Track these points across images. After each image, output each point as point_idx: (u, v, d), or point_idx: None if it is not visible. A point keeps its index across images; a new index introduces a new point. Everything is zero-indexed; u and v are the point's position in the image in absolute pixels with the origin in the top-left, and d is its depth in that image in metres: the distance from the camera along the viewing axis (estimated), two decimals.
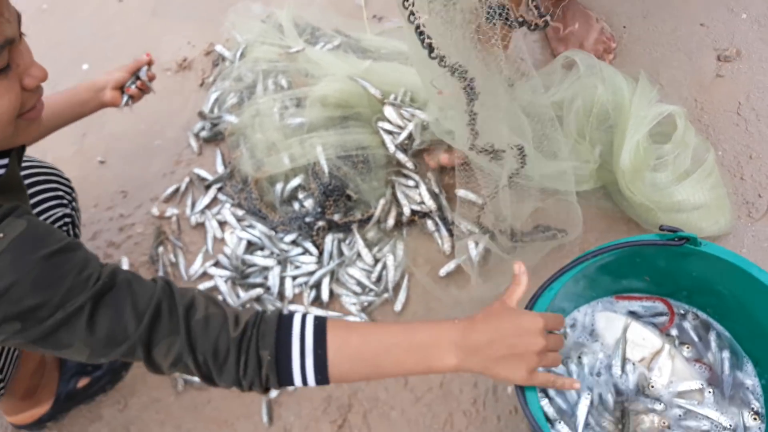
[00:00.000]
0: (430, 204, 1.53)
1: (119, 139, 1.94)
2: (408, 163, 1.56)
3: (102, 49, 2.22)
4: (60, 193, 1.25)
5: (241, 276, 1.56)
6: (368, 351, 0.86)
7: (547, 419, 1.15)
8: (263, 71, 1.85)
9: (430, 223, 1.55)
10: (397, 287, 1.51)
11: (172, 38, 2.17)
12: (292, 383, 0.84)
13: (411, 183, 1.58)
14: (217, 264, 1.60)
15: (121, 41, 2.24)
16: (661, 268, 1.22)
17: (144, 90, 1.50)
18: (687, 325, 1.26)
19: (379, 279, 1.51)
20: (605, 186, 1.56)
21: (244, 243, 1.60)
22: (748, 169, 1.57)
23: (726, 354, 1.21)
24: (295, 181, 1.61)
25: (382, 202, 1.56)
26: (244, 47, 1.95)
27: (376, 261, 1.52)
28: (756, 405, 1.16)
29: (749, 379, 1.19)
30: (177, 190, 1.77)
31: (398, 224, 1.56)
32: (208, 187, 1.74)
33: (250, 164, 1.65)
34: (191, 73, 2.05)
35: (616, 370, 1.20)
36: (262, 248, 1.60)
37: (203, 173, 1.77)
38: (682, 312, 1.28)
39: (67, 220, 1.24)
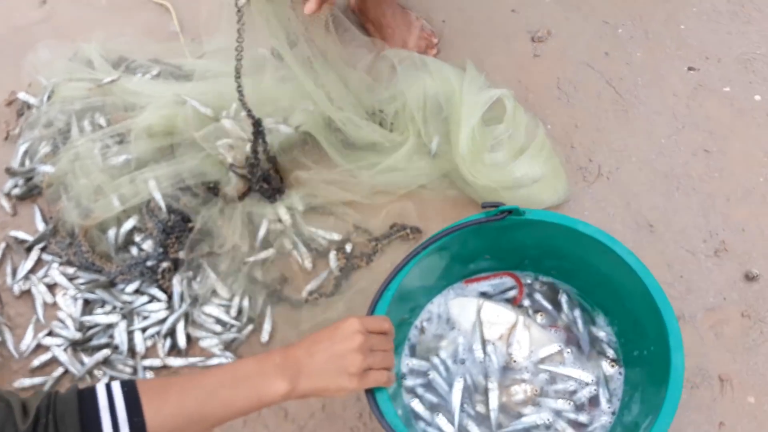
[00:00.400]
0: (286, 219, 1.45)
1: None
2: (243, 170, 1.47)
3: None
4: None
5: (82, 340, 1.38)
6: (191, 402, 0.79)
7: (420, 418, 1.16)
8: (76, 112, 1.67)
9: (286, 241, 1.47)
10: (261, 316, 1.41)
11: None
12: None
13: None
14: (51, 333, 1.41)
15: None
16: (500, 244, 1.25)
17: None
18: (536, 292, 1.31)
19: (240, 312, 1.41)
20: (448, 175, 1.58)
21: (80, 303, 1.42)
22: (576, 138, 1.67)
23: (577, 312, 1.26)
24: (129, 224, 1.46)
25: (232, 228, 1.45)
26: (51, 90, 1.76)
27: (233, 293, 1.42)
28: (611, 353, 1.22)
29: (602, 330, 1.25)
30: None
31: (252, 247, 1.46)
32: (29, 249, 1.53)
33: (75, 214, 1.47)
34: None
35: (479, 353, 1.22)
36: (102, 305, 1.43)
37: (21, 235, 1.56)
38: (528, 281, 1.32)
39: None
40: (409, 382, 1.23)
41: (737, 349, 1.34)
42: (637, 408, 1.11)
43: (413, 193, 1.56)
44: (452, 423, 1.16)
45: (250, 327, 1.39)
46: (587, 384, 1.19)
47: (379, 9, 1.75)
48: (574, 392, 1.19)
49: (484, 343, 1.22)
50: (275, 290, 1.42)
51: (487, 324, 1.24)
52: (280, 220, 1.47)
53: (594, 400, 1.18)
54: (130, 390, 0.76)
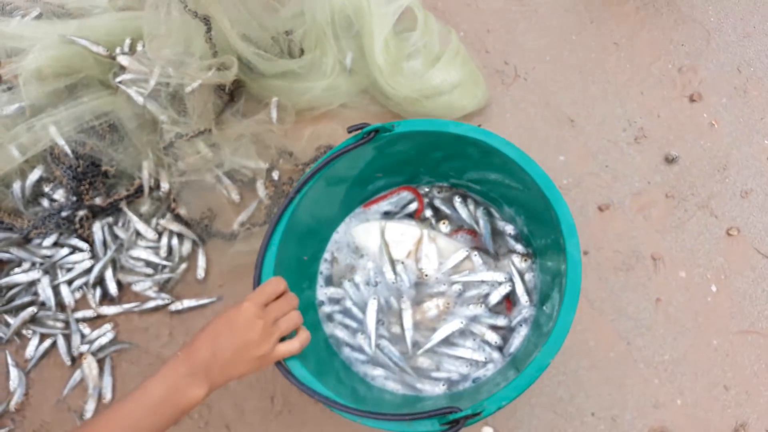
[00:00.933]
0: (206, 153, 1.39)
1: None
2: (163, 115, 1.39)
3: None
4: None
5: (3, 302, 1.30)
6: None
7: (344, 343, 1.17)
8: None
9: (209, 175, 1.42)
10: (192, 253, 1.37)
11: None
12: None
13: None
14: None
15: None
16: (387, 161, 1.21)
17: None
18: (436, 201, 1.29)
19: (170, 252, 1.36)
20: (367, 91, 1.55)
21: None
22: (489, 42, 1.67)
23: (480, 212, 1.26)
24: (35, 174, 1.36)
25: (145, 166, 1.38)
26: None
27: (160, 234, 1.36)
28: (520, 248, 1.22)
29: (509, 225, 1.25)
30: None
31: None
32: None
33: None
34: None
35: (389, 275, 1.20)
36: (19, 263, 1.34)
37: None
38: (426, 191, 1.31)
39: None
40: (327, 308, 1.21)
41: (665, 228, 1.42)
42: (557, 296, 1.07)
43: (334, 112, 1.53)
44: (370, 346, 1.15)
45: (183, 266, 1.35)
46: (501, 283, 1.18)
47: None
48: (488, 295, 1.18)
49: (393, 263, 1.20)
50: (205, 226, 1.37)
51: (393, 244, 1.22)
52: (199, 152, 1.41)
53: (512, 298, 1.18)
54: None
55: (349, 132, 1.07)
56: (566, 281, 0.96)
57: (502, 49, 1.66)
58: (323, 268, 1.24)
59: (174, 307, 1.30)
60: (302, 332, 0.94)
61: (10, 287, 1.32)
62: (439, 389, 1.11)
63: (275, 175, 1.44)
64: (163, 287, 1.33)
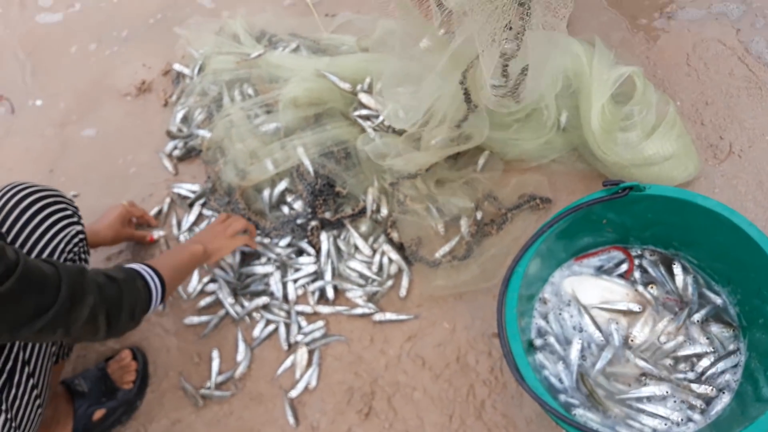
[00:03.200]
0: (422, 187, 1.57)
1: (90, 171, 1.90)
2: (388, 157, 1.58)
3: (53, 84, 2.17)
4: (69, 212, 1.26)
5: (242, 287, 1.57)
6: (170, 264, 1.29)
7: (545, 367, 1.25)
8: (226, 82, 1.85)
9: (420, 207, 1.59)
10: (398, 274, 1.54)
11: (125, 63, 2.13)
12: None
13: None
14: (213, 279, 1.60)
15: (70, 73, 2.18)
16: (611, 219, 1.30)
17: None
18: (646, 263, 1.35)
19: (380, 269, 1.54)
20: (577, 149, 1.63)
21: (238, 255, 1.60)
22: (706, 115, 1.67)
23: (690, 280, 1.30)
24: (282, 185, 1.62)
25: (370, 192, 1.59)
26: (201, 61, 1.94)
27: (374, 251, 1.55)
28: (729, 320, 1.26)
29: (720, 297, 1.28)
30: (160, 212, 1.75)
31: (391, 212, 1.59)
32: (191, 205, 1.73)
33: (233, 175, 1.65)
34: (152, 95, 2.02)
35: (593, 329, 1.28)
36: (258, 257, 1.60)
37: (183, 191, 1.76)
38: (638, 253, 1.37)
39: (81, 236, 1.27)
40: (538, 341, 1.31)
41: None
42: (763, 377, 1.12)
43: (541, 164, 1.62)
44: (571, 375, 1.24)
45: (389, 282, 1.52)
46: (705, 353, 1.22)
47: None
48: (693, 362, 1.23)
49: (596, 324, 1.28)
50: (412, 251, 1.54)
51: (601, 300, 1.29)
52: (416, 187, 1.58)
53: (714, 367, 1.21)
54: (148, 265, 1.22)
55: (605, 185, 1.18)
56: None
57: (719, 123, 1.66)
58: (538, 305, 1.35)
59: (377, 317, 1.48)
60: (246, 236, 1.56)
61: (248, 275, 1.58)
62: None
63: (479, 215, 1.57)
64: (370, 298, 1.51)
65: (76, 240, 1.25)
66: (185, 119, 1.87)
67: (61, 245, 1.21)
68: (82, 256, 1.28)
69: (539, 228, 1.17)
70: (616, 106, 1.59)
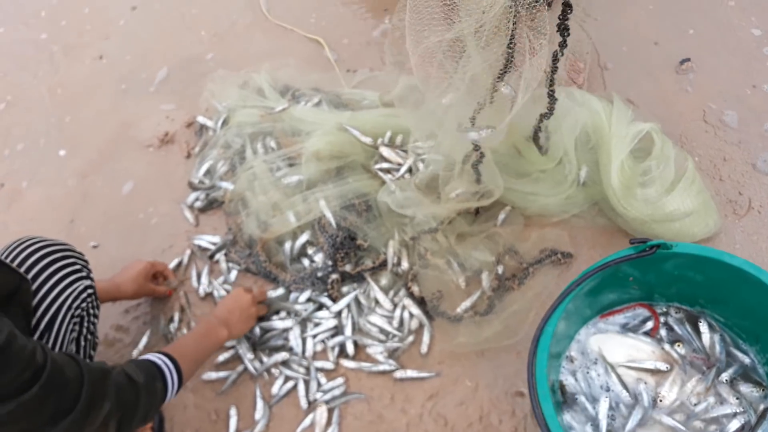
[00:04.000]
0: (443, 240, 1.57)
1: (110, 221, 1.92)
2: (409, 210, 1.59)
3: (77, 134, 2.21)
4: (78, 266, 1.26)
5: (261, 342, 1.56)
6: (191, 353, 1.28)
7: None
8: (249, 135, 1.88)
9: (441, 261, 1.59)
10: (419, 329, 1.53)
11: (148, 114, 2.18)
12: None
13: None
14: None
15: (95, 123, 2.23)
16: (636, 276, 1.29)
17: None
18: (671, 320, 1.34)
19: (401, 324, 1.53)
20: (598, 204, 1.63)
21: None
22: (725, 171, 1.68)
23: (717, 338, 1.28)
24: (303, 237, 1.63)
25: (391, 245, 1.59)
26: (226, 114, 1.98)
27: (395, 305, 1.54)
28: (758, 379, 1.24)
29: (748, 357, 1.27)
30: (179, 263, 1.76)
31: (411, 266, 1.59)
32: (211, 257, 1.73)
33: (255, 227, 1.67)
34: (174, 146, 2.06)
35: (619, 389, 1.26)
36: (277, 311, 1.60)
37: (204, 243, 1.77)
38: (664, 310, 1.36)
39: (90, 291, 1.27)
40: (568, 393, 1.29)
41: None
42: None
43: (562, 219, 1.63)
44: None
45: (410, 338, 1.50)
46: (735, 414, 1.20)
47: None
48: (722, 424, 1.20)
49: (623, 383, 1.26)
50: (433, 305, 1.53)
51: (627, 358, 1.28)
52: (437, 240, 1.59)
53: (746, 428, 1.19)
54: (171, 358, 1.20)
55: (632, 243, 1.18)
56: None
57: (738, 178, 1.67)
58: (565, 363, 1.33)
59: (399, 374, 1.46)
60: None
61: (267, 330, 1.57)
62: None
63: (500, 269, 1.57)
64: (391, 354, 1.49)
65: (84, 295, 1.25)
66: (208, 172, 1.89)
67: (69, 300, 1.20)
68: (91, 311, 1.28)
69: (567, 286, 1.16)
70: (636, 162, 1.60)
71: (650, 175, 1.56)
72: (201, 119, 2.04)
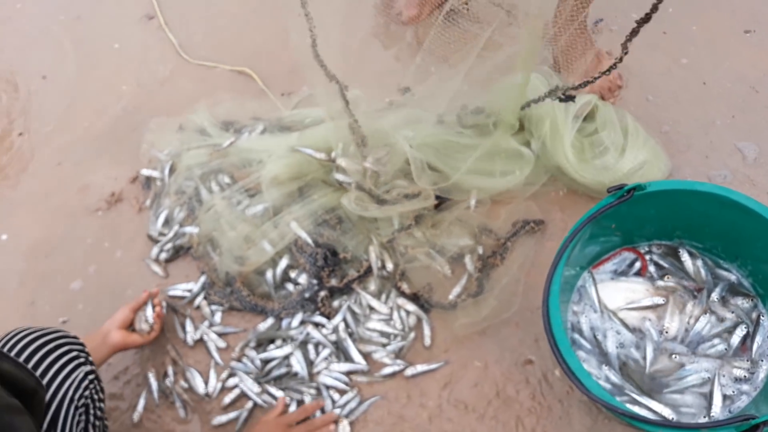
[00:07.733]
0: (419, 235, 1.60)
1: (74, 295, 1.83)
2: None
3: (19, 215, 2.10)
4: (74, 353, 1.19)
5: (263, 374, 1.53)
6: None
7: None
8: (199, 177, 1.85)
9: (422, 255, 1.61)
10: (418, 323, 1.54)
11: (89, 180, 2.10)
12: None
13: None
14: (232, 374, 1.55)
15: (35, 202, 2.13)
16: (617, 224, 1.37)
17: (161, 317, 1.59)
18: (656, 257, 1.42)
19: (402, 323, 1.54)
20: (554, 174, 1.70)
21: (252, 343, 1.57)
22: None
23: (699, 263, 1.37)
24: (284, 263, 1.62)
25: (372, 250, 1.60)
26: (170, 161, 1.94)
27: (391, 309, 1.55)
28: (746, 291, 1.33)
29: (732, 274, 1.36)
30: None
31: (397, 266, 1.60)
32: (191, 302, 1.69)
33: (231, 262, 1.64)
34: (124, 204, 1.99)
35: (624, 331, 1.33)
36: (272, 340, 1.57)
37: (179, 292, 1.72)
38: (647, 249, 1.44)
39: (91, 377, 1.19)
40: (572, 334, 1.36)
41: None
42: None
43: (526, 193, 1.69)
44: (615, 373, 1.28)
45: (412, 335, 1.52)
46: (736, 325, 1.28)
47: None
48: (726, 337, 1.29)
49: (626, 326, 1.33)
50: (426, 298, 1.55)
51: (627, 300, 1.35)
52: (414, 236, 1.61)
53: (747, 338, 1.28)
54: None
55: (609, 192, 1.24)
56: None
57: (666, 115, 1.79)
58: (570, 315, 1.39)
59: (409, 372, 1.47)
60: None
61: (267, 361, 1.55)
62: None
63: (480, 249, 1.61)
64: (397, 354, 1.50)
65: (86, 382, 1.18)
66: (167, 221, 1.84)
67: (70, 392, 1.13)
68: (95, 396, 1.21)
69: (561, 243, 1.21)
70: (587, 139, 1.67)
71: (604, 145, 1.63)
72: (145, 171, 1.99)
